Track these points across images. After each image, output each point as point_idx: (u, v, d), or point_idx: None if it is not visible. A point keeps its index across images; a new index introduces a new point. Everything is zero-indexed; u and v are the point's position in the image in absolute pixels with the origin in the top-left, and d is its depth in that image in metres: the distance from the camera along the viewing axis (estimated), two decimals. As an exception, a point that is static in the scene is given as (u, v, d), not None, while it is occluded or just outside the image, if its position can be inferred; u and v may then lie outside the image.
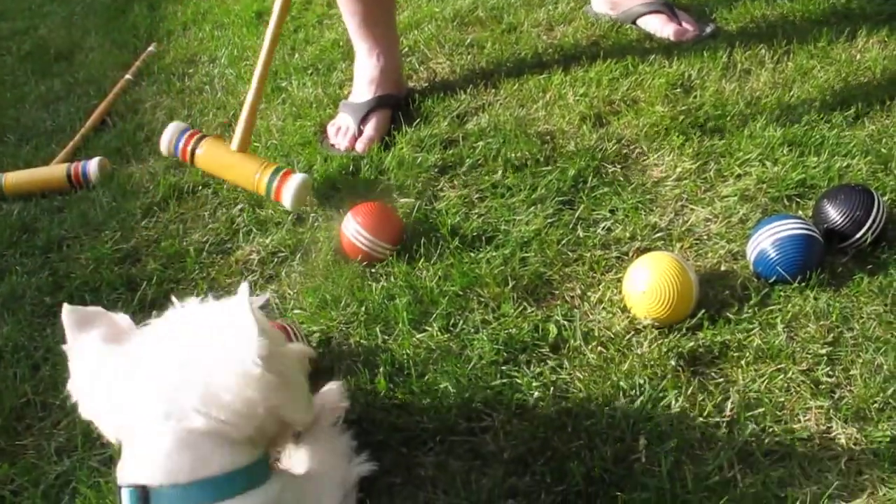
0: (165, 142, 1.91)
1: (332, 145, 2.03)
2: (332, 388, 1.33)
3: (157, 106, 2.47)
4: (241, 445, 1.01)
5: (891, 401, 1.21)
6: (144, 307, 1.66)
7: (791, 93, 1.93)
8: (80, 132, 2.38)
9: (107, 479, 1.30)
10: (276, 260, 1.70)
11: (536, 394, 1.29)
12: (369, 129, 2.01)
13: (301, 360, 1.19)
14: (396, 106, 2.09)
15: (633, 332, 1.37)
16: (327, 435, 1.22)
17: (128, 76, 2.65)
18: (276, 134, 2.14)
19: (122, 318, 1.13)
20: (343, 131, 2.03)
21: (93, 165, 2.15)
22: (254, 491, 1.00)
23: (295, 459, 1.20)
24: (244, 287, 0.97)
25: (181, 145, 1.90)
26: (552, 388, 1.30)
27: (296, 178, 1.76)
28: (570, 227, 1.61)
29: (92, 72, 2.78)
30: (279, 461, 1.21)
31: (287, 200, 1.76)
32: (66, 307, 1.08)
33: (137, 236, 1.89)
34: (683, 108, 1.90)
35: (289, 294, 1.61)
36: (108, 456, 1.35)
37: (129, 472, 1.00)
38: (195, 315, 1.07)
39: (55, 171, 2.19)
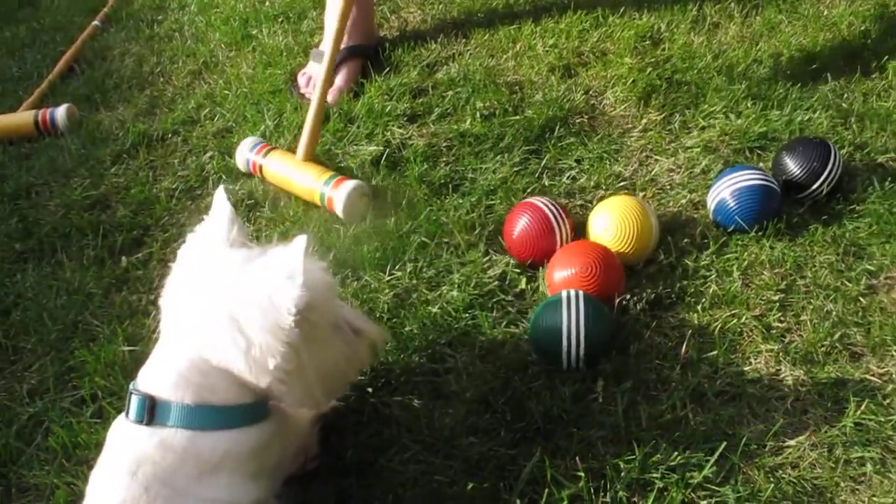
0: (240, 160, 1.79)
1: (303, 95, 2.03)
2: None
3: (125, 53, 2.44)
4: (247, 388, 1.02)
5: (837, 345, 1.26)
6: (114, 253, 1.68)
7: (758, 47, 1.95)
8: (47, 79, 2.36)
9: (78, 418, 1.32)
10: (244, 206, 1.71)
11: (500, 337, 1.33)
12: (340, 79, 2.00)
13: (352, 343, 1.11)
14: (367, 56, 2.09)
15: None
16: None
17: (95, 22, 2.62)
18: (245, 82, 2.13)
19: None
20: (314, 81, 2.02)
21: (61, 112, 2.14)
22: (251, 427, 1.02)
23: None
24: (302, 238, 0.95)
25: (251, 159, 1.76)
26: (516, 332, 1.34)
27: (346, 187, 1.59)
28: (536, 175, 1.64)
29: (59, 18, 2.75)
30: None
31: (339, 210, 1.60)
32: (219, 190, 1.12)
33: (107, 183, 1.89)
34: (651, 60, 1.92)
35: (254, 241, 1.63)
36: (80, 397, 1.37)
37: (143, 380, 1.03)
38: (258, 254, 1.05)
39: (23, 117, 2.17)
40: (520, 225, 1.43)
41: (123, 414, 1.01)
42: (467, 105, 1.86)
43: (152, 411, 0.97)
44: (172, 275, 1.10)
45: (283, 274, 0.95)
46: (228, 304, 0.98)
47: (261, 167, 1.74)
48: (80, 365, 1.43)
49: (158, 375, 1.02)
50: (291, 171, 1.70)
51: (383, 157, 1.73)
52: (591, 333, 1.21)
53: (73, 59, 2.46)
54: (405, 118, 1.85)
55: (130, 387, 1.03)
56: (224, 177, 1.81)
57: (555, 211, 1.42)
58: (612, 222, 1.39)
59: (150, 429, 0.97)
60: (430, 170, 1.69)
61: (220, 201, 1.09)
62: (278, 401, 1.06)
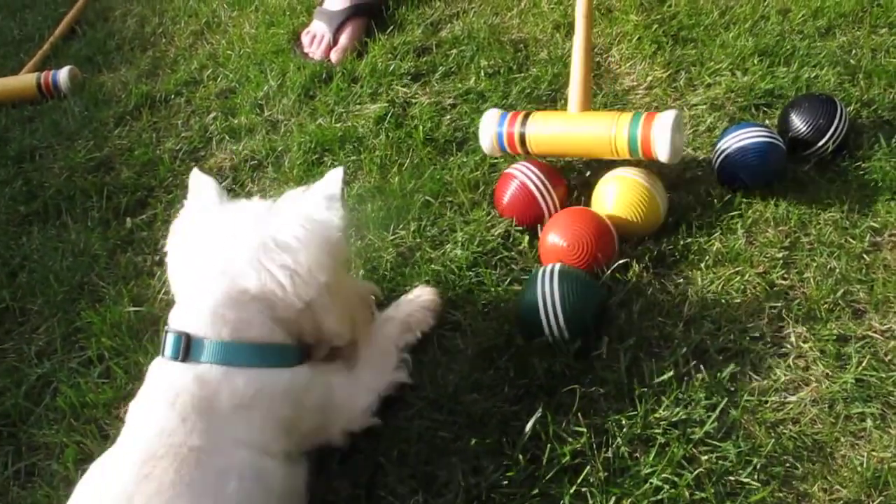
0: (488, 140, 1.48)
1: (307, 54, 2.02)
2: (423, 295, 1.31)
3: (127, 13, 2.43)
4: (281, 325, 1.05)
5: (840, 302, 1.26)
6: (119, 215, 1.68)
7: (765, 3, 1.92)
8: (48, 41, 2.35)
9: (86, 379, 1.34)
10: (248, 166, 1.71)
11: (503, 294, 1.33)
12: (344, 38, 1.99)
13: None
14: (371, 14, 2.07)
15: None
16: (384, 343, 1.21)
17: (96, -18, 2.60)
18: (248, 42, 2.12)
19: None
20: (318, 40, 2.01)
21: (63, 74, 2.13)
22: (284, 369, 1.04)
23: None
24: (339, 169, 1.04)
25: (506, 132, 1.46)
26: (519, 290, 1.34)
27: (666, 118, 1.33)
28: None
29: (59, -22, 2.72)
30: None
31: (663, 151, 1.33)
32: (193, 171, 1.19)
33: (110, 145, 1.89)
34: (657, 16, 1.89)
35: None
36: (87, 358, 1.39)
37: (177, 320, 1.04)
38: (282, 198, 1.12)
39: (25, 80, 2.16)
40: (506, 196, 1.43)
41: (160, 353, 1.03)
42: (471, 63, 1.84)
43: (188, 349, 0.99)
44: (175, 236, 1.13)
45: (326, 195, 1.04)
46: (268, 230, 1.03)
47: (522, 137, 1.45)
48: (86, 326, 1.44)
49: (193, 313, 1.03)
50: (573, 127, 1.42)
51: (388, 117, 1.73)
52: (571, 309, 1.19)
53: (75, 21, 2.45)
54: (409, 77, 1.84)
55: (166, 327, 1.05)
56: (227, 137, 1.81)
57: (538, 182, 1.41)
58: (617, 204, 1.37)
59: (186, 364, 0.99)
60: (434, 128, 1.68)
61: (197, 177, 1.17)
62: (314, 342, 1.11)
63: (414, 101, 1.78)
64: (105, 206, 1.70)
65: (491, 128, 1.46)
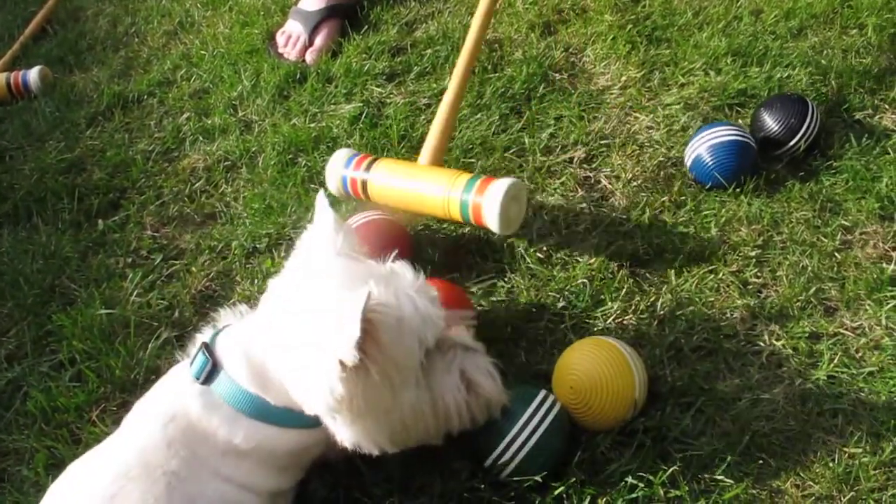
0: (333, 180, 1.41)
1: (281, 54, 2.01)
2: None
3: (99, 13, 2.41)
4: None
5: (812, 300, 1.27)
6: (90, 217, 1.67)
7: (738, 3, 1.94)
8: (18, 40, 2.32)
9: (57, 382, 1.32)
10: (222, 167, 1.70)
11: (482, 302, 1.33)
12: (320, 39, 1.98)
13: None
14: (347, 14, 2.06)
15: (572, 240, 1.41)
16: None
17: (67, -18, 2.57)
18: (222, 42, 2.10)
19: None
20: (293, 40, 2.00)
21: (33, 75, 2.11)
22: (295, 430, 1.00)
23: None
24: (366, 291, 0.85)
25: (349, 176, 1.38)
26: (498, 296, 1.34)
27: (498, 189, 1.23)
28: (515, 134, 1.63)
29: (30, -24, 2.69)
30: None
31: (492, 222, 1.24)
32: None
33: (82, 146, 1.87)
34: (632, 17, 1.90)
35: (232, 202, 1.62)
36: (58, 361, 1.37)
37: (224, 338, 1.02)
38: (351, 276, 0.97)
39: (-5, 81, 2.13)
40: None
41: (188, 360, 1.02)
42: (446, 63, 1.84)
43: (210, 375, 0.97)
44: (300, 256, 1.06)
45: (338, 323, 0.86)
46: (299, 326, 0.94)
47: (364, 184, 1.37)
48: (57, 329, 1.42)
49: (234, 342, 1.01)
50: (412, 182, 1.33)
51: (362, 116, 1.72)
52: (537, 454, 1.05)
53: (46, 20, 2.42)
54: (384, 77, 1.84)
55: (210, 332, 1.04)
56: (201, 138, 1.79)
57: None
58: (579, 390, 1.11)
59: (202, 387, 0.97)
60: (410, 128, 1.68)
61: (323, 209, 1.04)
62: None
63: (389, 101, 1.77)
64: (76, 208, 1.68)
65: (337, 170, 1.39)
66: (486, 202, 1.23)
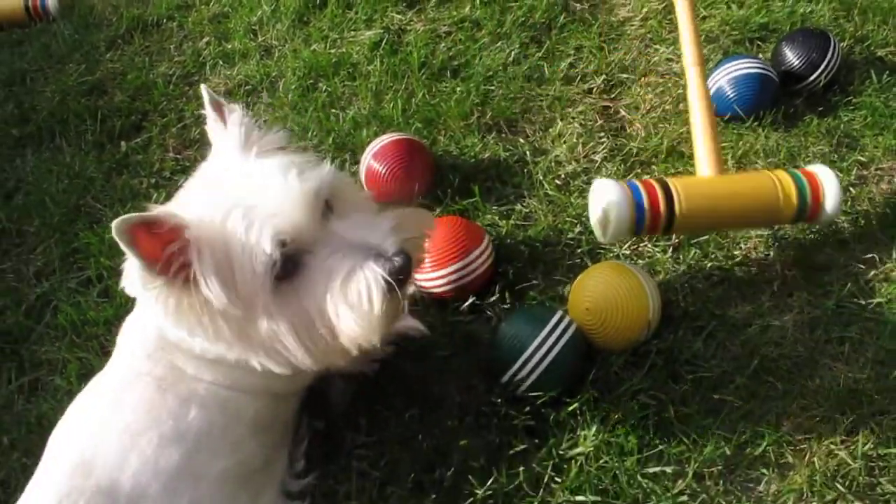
0: (615, 226, 1.15)
1: (300, -20, 1.99)
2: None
3: (116, -65, 2.37)
4: None
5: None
6: (113, 138, 1.68)
7: (763, -65, 1.91)
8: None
9: (86, 297, 1.36)
10: (242, 91, 1.71)
11: (500, 224, 1.36)
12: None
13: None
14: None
15: (590, 167, 1.43)
16: None
17: None
18: (239, -34, 2.08)
19: None
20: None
21: (51, -3, 2.10)
22: None
23: None
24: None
25: (645, 215, 1.15)
26: (516, 219, 1.36)
27: (832, 178, 1.20)
28: (535, 63, 1.63)
29: None
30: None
31: (831, 207, 1.19)
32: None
33: (102, 69, 1.88)
34: (655, -53, 1.88)
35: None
36: (86, 278, 1.41)
37: None
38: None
39: (12, 3, 2.13)
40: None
41: None
42: (467, -9, 1.83)
43: None
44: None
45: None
46: None
47: (668, 219, 1.16)
48: (84, 247, 1.46)
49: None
50: (727, 197, 1.20)
51: (382, 43, 1.72)
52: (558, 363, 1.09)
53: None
54: (404, 4, 1.83)
55: None
56: (221, 62, 1.80)
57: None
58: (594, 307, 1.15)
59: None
60: (429, 55, 1.68)
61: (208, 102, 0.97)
62: None
63: (409, 28, 1.77)
64: (99, 130, 1.69)
65: (623, 209, 1.14)
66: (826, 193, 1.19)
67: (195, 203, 0.87)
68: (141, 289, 0.84)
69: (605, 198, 1.13)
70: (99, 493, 0.90)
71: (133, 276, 0.85)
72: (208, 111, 0.97)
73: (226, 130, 0.95)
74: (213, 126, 0.97)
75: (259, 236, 0.82)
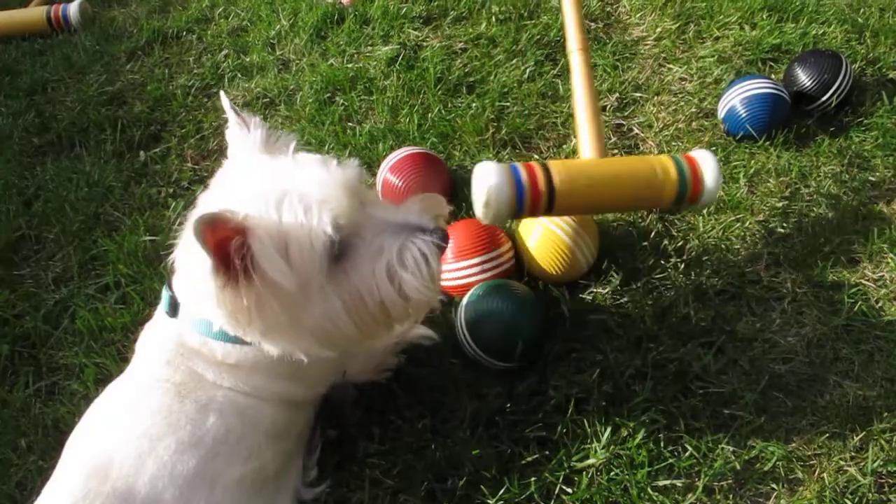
0: (499, 202, 1.13)
1: (318, -5, 2.02)
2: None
3: (136, -51, 2.41)
4: None
5: (836, 251, 1.30)
6: (132, 148, 1.71)
7: (776, -43, 1.93)
8: (58, -27, 2.34)
9: (104, 304, 1.38)
10: (260, 104, 1.74)
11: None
12: (355, -20, 1.99)
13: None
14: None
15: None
16: None
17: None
18: (260, -18, 2.12)
19: None
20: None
21: (73, 8, 2.14)
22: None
23: None
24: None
25: (525, 195, 1.14)
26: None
27: (710, 159, 1.19)
28: (550, 80, 1.65)
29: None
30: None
31: (710, 184, 1.18)
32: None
33: (123, 79, 1.91)
34: (669, -32, 1.90)
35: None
36: (104, 284, 1.43)
37: (177, 279, 1.03)
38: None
39: (34, 13, 2.17)
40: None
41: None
42: (482, 9, 1.86)
43: (175, 308, 1.01)
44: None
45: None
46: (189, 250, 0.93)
47: (548, 197, 1.15)
48: (102, 254, 1.48)
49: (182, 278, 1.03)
50: (608, 178, 1.19)
51: (399, 59, 1.75)
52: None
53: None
54: (420, 20, 1.86)
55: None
56: (239, 75, 1.83)
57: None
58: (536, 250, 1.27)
59: (174, 320, 1.01)
60: (444, 71, 1.70)
61: (229, 110, 1.01)
62: None
63: (425, 44, 1.80)
64: (118, 139, 1.72)
65: (502, 190, 1.13)
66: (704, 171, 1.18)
67: (239, 199, 0.88)
68: (207, 285, 0.85)
69: (486, 181, 1.13)
70: (114, 496, 0.91)
71: (197, 274, 0.86)
72: (230, 115, 0.99)
73: (248, 133, 0.97)
74: (234, 129, 0.99)
75: (319, 219, 0.86)
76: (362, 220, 0.91)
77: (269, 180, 0.90)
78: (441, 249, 0.93)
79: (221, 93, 1.04)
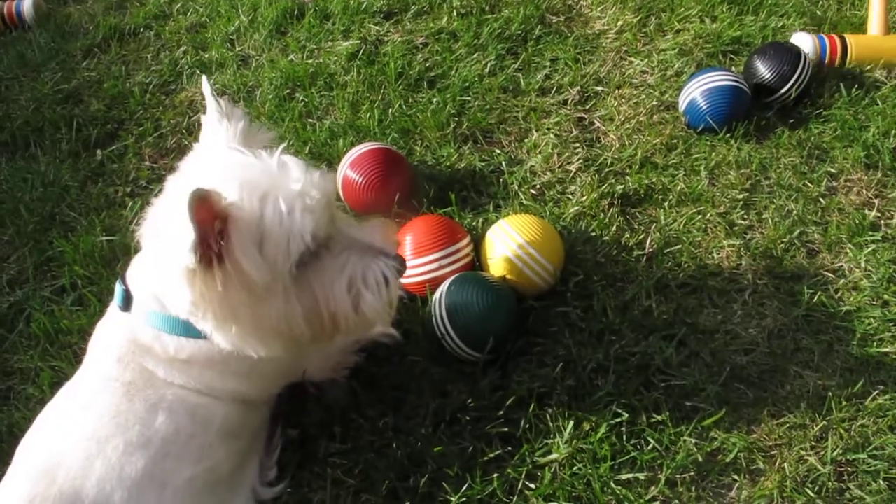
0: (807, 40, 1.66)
1: (278, -10, 2.00)
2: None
3: (92, -56, 2.37)
4: None
5: (796, 242, 1.31)
6: (89, 147, 1.67)
7: (736, -49, 1.94)
8: (12, -31, 2.29)
9: (59, 306, 1.35)
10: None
11: (473, 223, 1.36)
12: (315, -25, 1.97)
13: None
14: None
15: (565, 177, 1.44)
16: None
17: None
18: (219, -24, 2.09)
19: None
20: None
21: (27, 4, 2.09)
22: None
23: None
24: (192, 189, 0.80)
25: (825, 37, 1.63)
26: (488, 218, 1.37)
27: None
28: (511, 74, 1.65)
29: None
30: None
31: None
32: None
33: (79, 77, 1.87)
34: (630, -38, 1.91)
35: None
36: (60, 286, 1.40)
37: (131, 273, 1.02)
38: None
39: (-13, 9, 2.12)
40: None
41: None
42: (444, 3, 1.84)
43: (128, 302, 1.00)
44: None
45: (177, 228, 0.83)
46: (156, 236, 0.93)
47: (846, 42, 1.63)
48: (58, 255, 1.45)
49: (134, 265, 1.03)
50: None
51: (360, 54, 1.73)
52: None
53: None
54: (381, 15, 1.84)
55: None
56: (198, 72, 1.80)
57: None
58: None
59: (127, 315, 1.00)
60: (406, 66, 1.69)
61: (209, 97, 1.00)
62: None
63: (386, 39, 1.78)
64: (74, 138, 1.69)
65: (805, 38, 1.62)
66: None
67: (223, 186, 0.87)
68: (178, 262, 0.84)
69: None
70: (62, 499, 0.90)
71: (168, 249, 0.86)
72: (210, 101, 0.98)
73: (228, 123, 0.97)
74: (212, 117, 0.98)
75: (301, 225, 0.88)
76: (332, 232, 0.94)
77: (254, 174, 0.90)
78: (400, 275, 0.98)
79: (203, 78, 1.04)
